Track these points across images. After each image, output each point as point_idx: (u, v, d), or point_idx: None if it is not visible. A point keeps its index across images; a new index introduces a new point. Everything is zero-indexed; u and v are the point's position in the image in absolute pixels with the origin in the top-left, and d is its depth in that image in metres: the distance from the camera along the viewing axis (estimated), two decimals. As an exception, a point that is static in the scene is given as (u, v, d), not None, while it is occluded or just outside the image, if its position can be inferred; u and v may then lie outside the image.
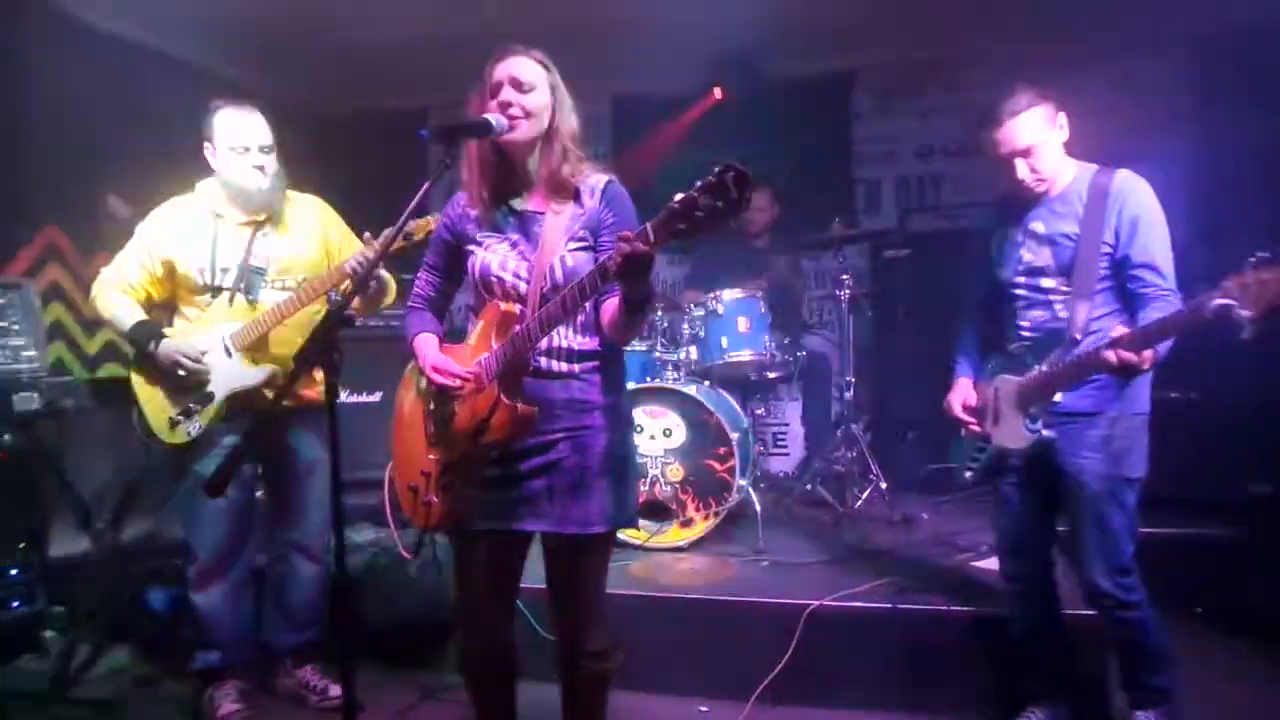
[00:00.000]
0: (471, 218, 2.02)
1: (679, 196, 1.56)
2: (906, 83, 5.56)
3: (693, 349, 4.04)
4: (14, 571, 3.21)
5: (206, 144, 2.67)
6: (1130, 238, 2.18)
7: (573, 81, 1.98)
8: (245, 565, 2.84)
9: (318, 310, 2.70)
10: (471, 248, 2.01)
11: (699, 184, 1.53)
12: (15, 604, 3.20)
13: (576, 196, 1.97)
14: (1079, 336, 2.22)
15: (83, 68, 4.12)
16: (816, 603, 2.87)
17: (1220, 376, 3.83)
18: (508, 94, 1.90)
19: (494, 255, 1.97)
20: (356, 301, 2.71)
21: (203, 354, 2.64)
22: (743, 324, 3.98)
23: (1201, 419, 3.88)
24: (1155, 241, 2.17)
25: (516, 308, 1.92)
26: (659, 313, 4.22)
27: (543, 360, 1.93)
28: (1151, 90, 4.81)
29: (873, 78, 5.64)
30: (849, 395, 4.19)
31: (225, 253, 2.69)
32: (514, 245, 1.97)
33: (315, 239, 2.82)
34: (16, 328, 3.18)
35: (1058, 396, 2.23)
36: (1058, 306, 2.30)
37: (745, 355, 3.97)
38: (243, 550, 2.81)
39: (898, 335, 5.06)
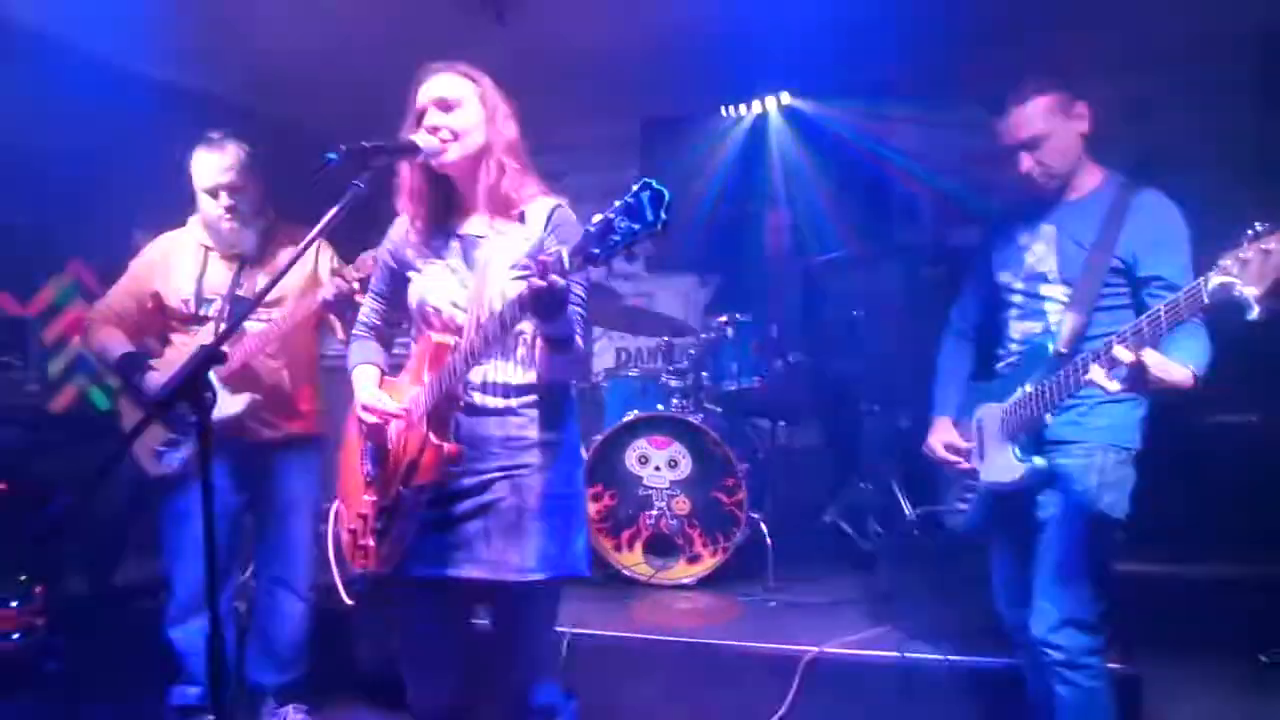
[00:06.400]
0: (412, 242, 1.93)
1: (596, 218, 1.45)
2: (942, 92, 5.30)
3: (702, 375, 3.86)
4: (14, 604, 3.21)
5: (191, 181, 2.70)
6: (1151, 258, 1.98)
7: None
8: (227, 600, 2.79)
9: (308, 338, 2.79)
10: (410, 274, 1.92)
11: (615, 205, 1.42)
12: (15, 636, 3.19)
13: (522, 219, 1.86)
14: (1064, 350, 1.99)
15: (105, 104, 4.18)
16: (817, 649, 2.66)
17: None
18: (434, 117, 1.80)
19: (432, 283, 1.87)
20: (339, 330, 2.69)
21: None
22: (754, 347, 3.80)
23: (1264, 444, 3.54)
24: (1177, 261, 1.96)
25: (451, 339, 1.80)
26: (666, 338, 4.06)
27: (476, 396, 1.81)
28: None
29: (905, 88, 5.41)
30: (874, 423, 3.96)
31: (211, 284, 2.71)
32: (454, 272, 1.86)
33: (301, 272, 2.77)
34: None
35: (1049, 418, 1.98)
36: (1053, 318, 2.08)
37: (756, 381, 3.77)
38: (225, 584, 2.75)
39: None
